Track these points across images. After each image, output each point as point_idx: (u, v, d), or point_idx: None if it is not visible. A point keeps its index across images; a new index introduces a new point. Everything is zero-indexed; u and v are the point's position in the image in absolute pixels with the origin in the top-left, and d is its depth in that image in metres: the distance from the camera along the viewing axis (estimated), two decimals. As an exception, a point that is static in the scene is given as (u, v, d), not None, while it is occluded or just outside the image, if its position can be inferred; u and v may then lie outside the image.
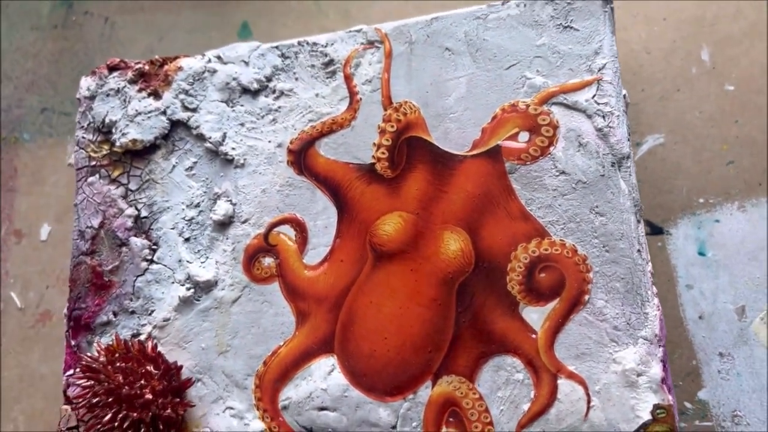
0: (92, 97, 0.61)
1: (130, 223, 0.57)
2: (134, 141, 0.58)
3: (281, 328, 0.53)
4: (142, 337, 0.55)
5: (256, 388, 0.52)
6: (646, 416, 0.45)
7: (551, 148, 0.50)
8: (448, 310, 0.50)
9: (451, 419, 0.48)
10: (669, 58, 0.66)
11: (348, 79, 0.55)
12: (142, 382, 0.51)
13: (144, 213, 0.58)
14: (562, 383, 0.47)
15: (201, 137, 0.57)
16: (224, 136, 0.57)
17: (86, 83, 0.61)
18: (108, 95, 0.60)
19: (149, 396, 0.51)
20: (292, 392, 0.52)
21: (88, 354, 0.55)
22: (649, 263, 0.48)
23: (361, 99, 0.55)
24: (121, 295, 0.56)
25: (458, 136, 0.52)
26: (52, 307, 0.78)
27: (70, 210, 0.79)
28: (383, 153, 0.53)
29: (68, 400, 0.56)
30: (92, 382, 0.52)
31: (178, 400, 0.52)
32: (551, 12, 0.52)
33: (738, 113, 0.64)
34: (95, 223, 0.58)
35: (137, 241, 0.57)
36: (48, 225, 0.80)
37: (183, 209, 0.57)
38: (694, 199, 0.63)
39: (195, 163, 0.57)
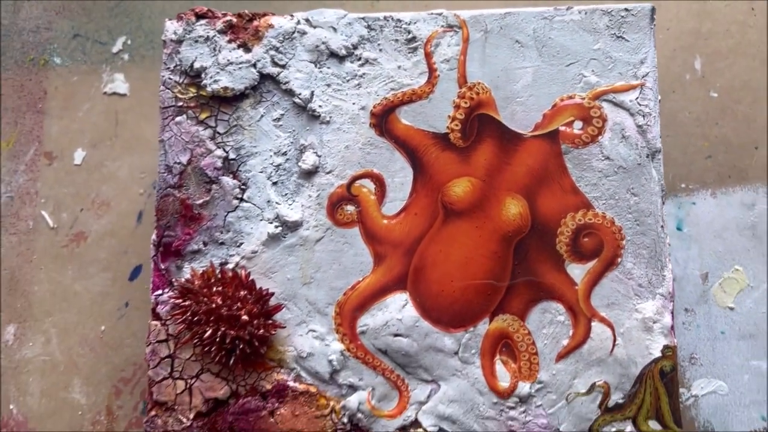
0: (179, 41, 0.65)
1: (219, 163, 0.64)
2: (225, 88, 0.64)
3: (360, 266, 0.62)
4: (230, 266, 0.63)
5: (336, 315, 0.62)
6: (657, 354, 0.59)
7: (599, 137, 0.61)
8: (506, 262, 0.61)
9: (504, 349, 0.60)
10: (668, 64, 0.79)
11: (428, 56, 0.64)
12: (239, 305, 0.59)
13: (232, 155, 0.64)
14: (595, 325, 0.60)
15: (290, 92, 0.64)
16: (312, 94, 0.64)
17: (172, 27, 0.66)
18: (197, 41, 0.65)
19: (245, 317, 0.59)
20: (369, 320, 0.61)
21: (185, 278, 0.62)
22: (668, 237, 0.61)
23: (439, 75, 0.63)
24: (212, 227, 0.63)
25: (523, 118, 0.62)
26: (87, 229, 0.82)
27: (106, 137, 0.83)
28: (456, 125, 0.63)
29: (157, 317, 0.62)
30: (190, 302, 0.60)
31: (270, 321, 0.60)
32: (607, 22, 0.63)
33: (719, 117, 0.78)
34: (183, 159, 0.64)
35: (228, 181, 0.63)
36: (82, 150, 0.84)
37: (271, 156, 0.64)
38: (677, 184, 0.77)
39: (282, 115, 0.64)
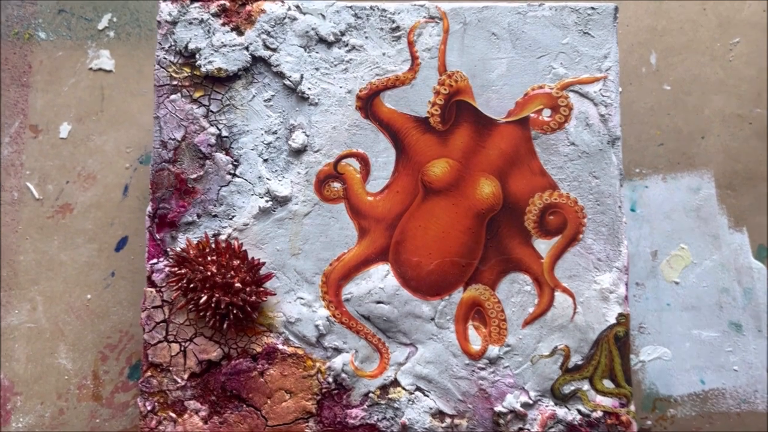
0: (174, 23, 0.69)
1: (212, 140, 0.68)
2: (219, 69, 0.68)
3: (345, 239, 0.67)
4: (222, 237, 0.67)
5: (322, 283, 0.67)
6: (612, 321, 0.65)
7: (566, 125, 0.67)
8: (479, 237, 0.67)
9: (476, 316, 0.66)
10: (627, 58, 0.86)
11: (411, 44, 0.69)
12: (232, 273, 0.64)
13: (225, 133, 0.68)
14: (558, 295, 0.66)
15: (280, 75, 0.68)
16: (301, 77, 0.68)
17: (167, 8, 0.69)
18: (191, 23, 0.69)
19: (238, 285, 0.63)
20: (353, 288, 0.66)
21: (181, 247, 0.66)
22: (624, 216, 0.67)
23: (421, 63, 0.68)
24: (206, 200, 0.67)
25: (497, 105, 0.68)
26: (73, 201, 0.85)
27: (92, 112, 0.86)
28: (436, 110, 0.68)
29: (152, 284, 0.66)
30: (186, 270, 0.64)
31: (261, 289, 0.65)
32: (575, 19, 0.69)
33: (671, 108, 0.85)
34: (178, 136, 0.68)
35: (222, 157, 0.67)
36: (68, 124, 0.86)
37: (262, 134, 0.68)
38: (632, 169, 0.84)
39: (273, 96, 0.68)
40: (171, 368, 0.65)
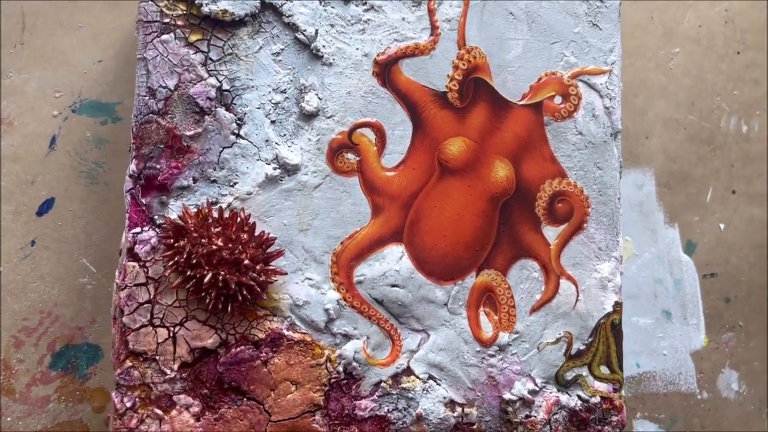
0: (166, -51, 0.58)
1: (213, 92, 0.58)
2: (225, 12, 0.59)
3: (358, 216, 0.62)
4: (220, 206, 0.58)
5: (332, 263, 0.61)
6: (610, 308, 0.67)
7: (575, 114, 0.68)
8: (492, 221, 0.65)
9: (486, 301, 0.64)
10: (587, 54, 0.88)
11: (431, 12, 0.65)
12: (240, 248, 0.56)
13: (226, 86, 0.59)
14: (562, 282, 0.66)
15: (292, 27, 0.61)
16: (316, 32, 0.61)
17: (158, -70, 0.58)
18: (189, -47, 0.58)
19: (247, 262, 0.56)
20: (366, 270, 0.61)
21: (178, 215, 0.56)
22: (621, 207, 0.69)
23: (440, 33, 0.65)
24: (204, 162, 0.58)
25: (513, 87, 0.66)
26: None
27: (9, 43, 0.71)
28: (454, 85, 0.65)
29: (134, 257, 0.56)
30: (184, 242, 0.55)
31: (272, 267, 0.57)
32: (586, 9, 0.69)
33: (621, 108, 0.89)
34: (170, 84, 0.58)
35: (226, 114, 0.58)
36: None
37: (269, 92, 0.60)
38: (587, 162, 0.87)
39: (282, 50, 0.61)
40: (158, 357, 0.55)
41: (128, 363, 0.55)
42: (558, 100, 0.67)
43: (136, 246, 0.56)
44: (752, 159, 0.92)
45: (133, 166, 0.56)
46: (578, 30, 0.68)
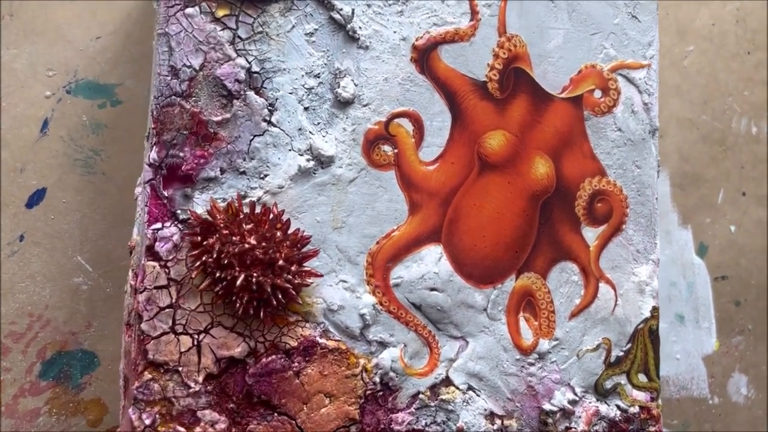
0: None
1: (242, 74, 0.53)
2: (256, -15, 0.53)
3: (394, 213, 0.57)
4: (249, 200, 0.52)
5: (368, 265, 0.56)
6: (647, 314, 0.64)
7: (614, 109, 0.65)
8: (533, 221, 0.61)
9: (526, 306, 0.60)
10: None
11: (471, -4, 0.60)
12: (275, 247, 0.50)
13: (255, 67, 0.53)
14: (601, 286, 0.63)
15: (326, 5, 0.55)
16: (353, 12, 0.56)
17: None
18: None
19: (282, 263, 0.50)
20: (403, 272, 0.57)
21: (206, 210, 0.50)
22: (658, 207, 0.66)
23: (480, 19, 0.60)
24: (233, 152, 0.52)
25: (553, 79, 0.63)
26: (-39, 133, 0.62)
27: (-4, 15, 0.63)
28: (495, 75, 0.61)
29: (154, 256, 0.50)
30: (213, 240, 0.49)
31: (305, 269, 0.52)
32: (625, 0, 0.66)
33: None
34: (195, 63, 0.52)
35: (257, 98, 0.53)
36: (-43, 25, 0.62)
37: (302, 76, 0.55)
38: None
39: (316, 30, 0.55)
40: (181, 368, 0.50)
41: (147, 375, 0.49)
42: (598, 94, 0.64)
43: (157, 244, 0.50)
44: (761, 161, 0.91)
45: (153, 154, 0.50)
46: (617, 21, 0.65)
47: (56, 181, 0.63)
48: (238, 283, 0.48)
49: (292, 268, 0.51)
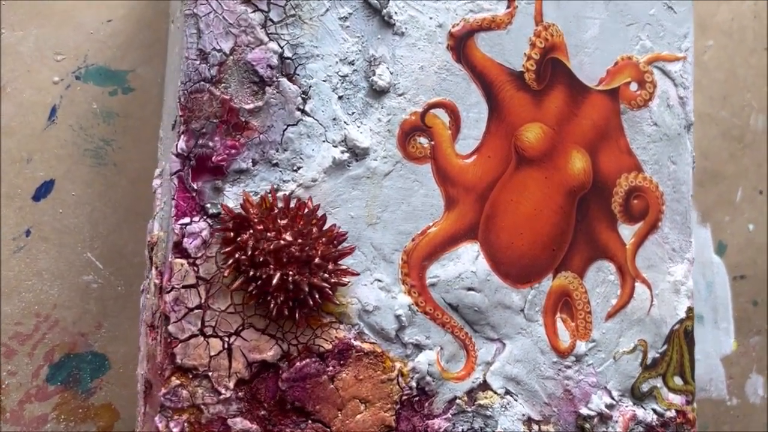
0: None
1: (275, 60, 0.49)
2: (289, -36, 0.50)
3: (430, 209, 0.54)
4: (285, 194, 0.49)
5: (403, 263, 0.53)
6: (683, 314, 0.62)
7: (650, 103, 0.62)
8: (570, 218, 0.59)
9: (563, 307, 0.58)
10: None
11: (508, -18, 0.58)
12: (311, 244, 0.47)
13: (288, 53, 0.50)
14: (637, 286, 0.61)
15: (362, -13, 0.52)
16: (388, -5, 0.53)
17: None
18: None
19: (319, 260, 0.47)
20: (439, 271, 0.54)
21: (240, 203, 0.47)
22: (692, 205, 0.64)
23: (517, 6, 0.58)
24: (266, 142, 0.49)
25: (590, 70, 0.60)
26: (-37, 120, 0.58)
27: (1, -6, 0.59)
28: (532, 65, 0.58)
29: (182, 253, 0.47)
30: (247, 236, 0.46)
31: (341, 267, 0.49)
32: (661, -10, 0.64)
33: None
34: (226, 47, 0.48)
35: (290, 86, 0.50)
36: (-41, 4, 0.58)
37: (336, 62, 0.52)
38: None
39: (350, 14, 0.52)
40: (211, 373, 0.46)
41: (175, 380, 0.46)
42: (634, 86, 0.62)
43: (185, 240, 0.46)
44: (779, 159, 0.90)
45: (181, 144, 0.47)
46: (653, 12, 0.63)
47: (65, 173, 0.59)
48: (274, 282, 0.45)
49: (329, 267, 0.47)
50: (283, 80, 0.49)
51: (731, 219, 0.87)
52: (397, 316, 0.52)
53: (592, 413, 0.57)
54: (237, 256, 0.45)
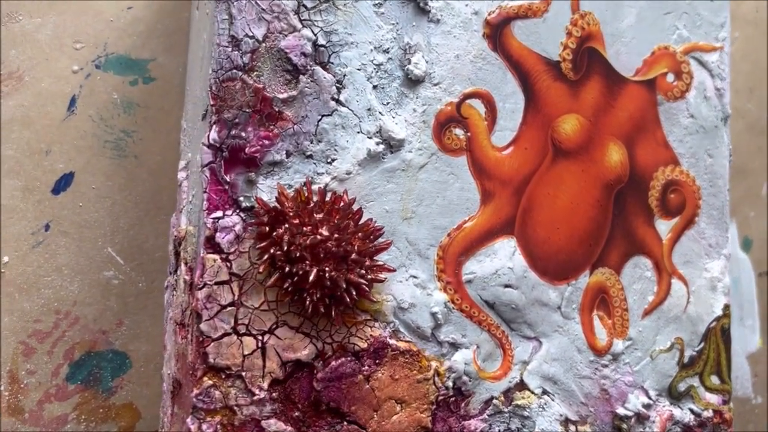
0: None
1: (309, 47, 0.47)
2: (323, -52, 0.48)
3: (466, 203, 0.52)
4: (320, 187, 0.47)
5: (439, 259, 0.51)
6: (719, 312, 0.61)
7: (687, 94, 0.61)
8: (607, 212, 0.57)
9: (600, 304, 0.56)
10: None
11: (544, -31, 0.56)
12: (348, 238, 0.45)
13: (321, 40, 0.48)
14: (673, 282, 0.59)
15: (396, -27, 0.50)
16: (423, -19, 0.51)
17: None
18: None
19: (355, 256, 0.45)
20: (475, 267, 0.52)
21: (275, 197, 0.45)
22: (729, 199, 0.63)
23: (554, -6, 0.56)
24: (300, 133, 0.47)
25: (626, 60, 0.58)
26: (-20, 110, 0.56)
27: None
28: (568, 54, 0.56)
29: (215, 249, 0.45)
30: (282, 231, 0.44)
31: (377, 263, 0.47)
32: (697, -22, 0.62)
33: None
34: (258, 34, 0.46)
35: (325, 75, 0.48)
36: (-24, -11, 0.56)
37: (371, 50, 0.50)
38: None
39: (385, 0, 0.50)
40: (244, 373, 0.44)
41: (208, 381, 0.44)
42: (670, 77, 0.60)
43: (217, 234, 0.44)
44: (804, 153, 0.88)
45: (213, 134, 0.45)
46: (690, 0, 0.61)
47: (85, 165, 0.57)
48: (311, 278, 0.43)
49: (366, 263, 0.46)
50: (318, 69, 0.47)
51: (757, 214, 0.86)
52: (433, 314, 0.50)
53: (630, 413, 0.56)
54: (272, 251, 0.44)
